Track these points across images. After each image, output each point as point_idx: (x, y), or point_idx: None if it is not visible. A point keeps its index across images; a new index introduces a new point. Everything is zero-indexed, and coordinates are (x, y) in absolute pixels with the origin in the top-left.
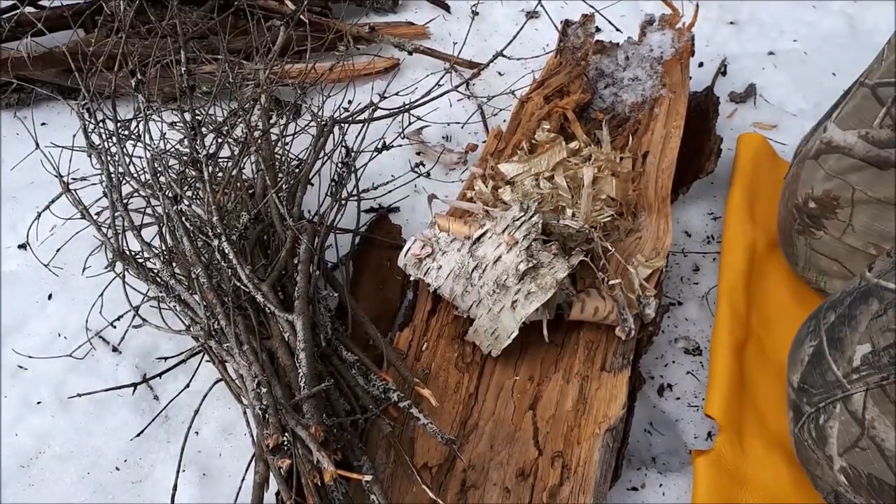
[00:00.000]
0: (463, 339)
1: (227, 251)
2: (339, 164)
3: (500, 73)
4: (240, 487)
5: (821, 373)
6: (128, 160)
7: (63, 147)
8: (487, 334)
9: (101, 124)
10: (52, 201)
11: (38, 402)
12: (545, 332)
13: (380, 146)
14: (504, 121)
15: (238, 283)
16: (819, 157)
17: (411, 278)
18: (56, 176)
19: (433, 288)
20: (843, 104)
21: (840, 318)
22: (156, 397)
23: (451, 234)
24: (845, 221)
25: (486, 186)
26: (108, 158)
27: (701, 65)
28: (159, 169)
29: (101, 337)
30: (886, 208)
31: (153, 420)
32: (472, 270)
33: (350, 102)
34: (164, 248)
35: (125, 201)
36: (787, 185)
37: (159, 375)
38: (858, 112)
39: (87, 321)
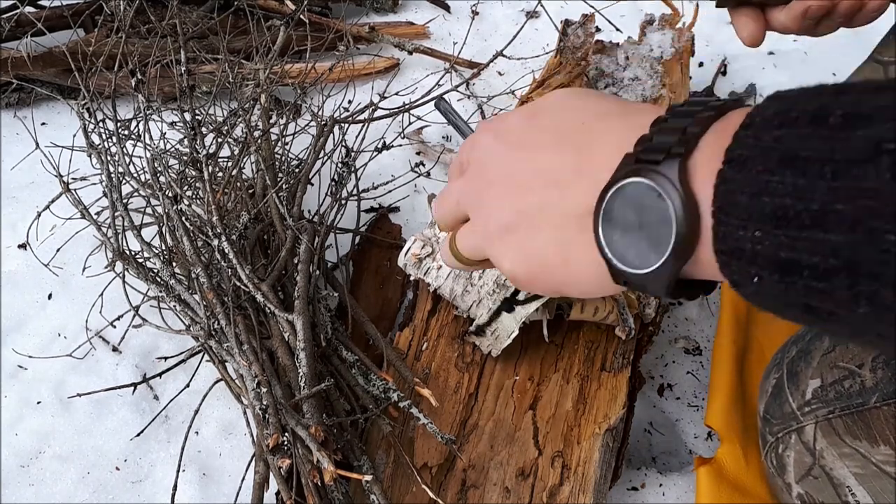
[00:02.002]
0: (463, 339)
1: (227, 251)
2: (339, 164)
3: (500, 73)
4: (240, 487)
5: (779, 404)
6: (128, 160)
7: (63, 147)
8: (488, 333)
9: (101, 124)
10: (52, 201)
11: (38, 402)
12: (545, 332)
13: (380, 146)
14: None
15: (238, 283)
16: None
17: (411, 278)
18: (56, 176)
19: (433, 288)
20: (850, 79)
21: (799, 353)
22: (156, 397)
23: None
24: None
25: None
26: (108, 158)
27: (701, 65)
28: (159, 169)
29: (101, 337)
30: None
31: (153, 420)
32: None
33: (350, 102)
34: (164, 248)
35: (125, 201)
36: None
37: (159, 375)
38: None
39: (87, 321)
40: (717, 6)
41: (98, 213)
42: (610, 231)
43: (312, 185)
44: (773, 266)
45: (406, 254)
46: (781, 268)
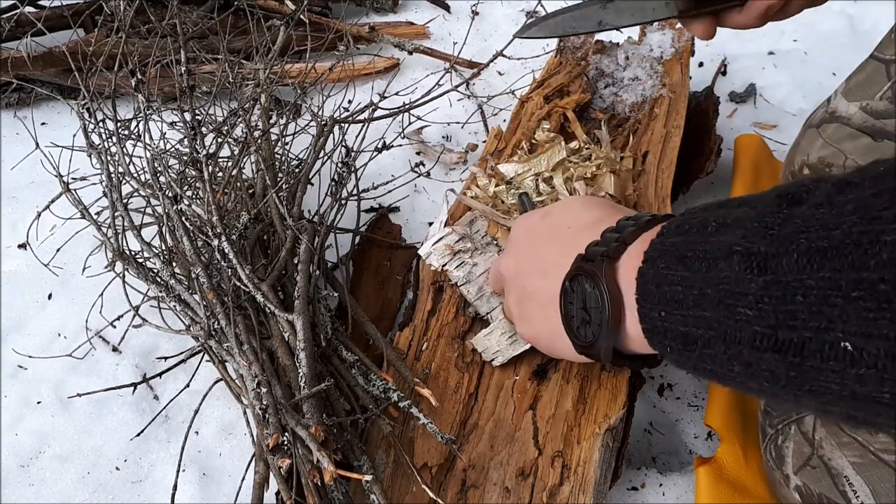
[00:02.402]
0: (464, 339)
1: (227, 251)
2: (339, 164)
3: (500, 73)
4: (240, 487)
5: None
6: (128, 160)
7: (63, 147)
8: (504, 338)
9: (101, 124)
10: (52, 201)
11: (38, 402)
12: None
13: (380, 146)
14: (504, 121)
15: (238, 283)
16: (820, 126)
17: (432, 267)
18: (56, 176)
19: (462, 282)
20: (852, 76)
21: None
22: (156, 397)
23: (497, 239)
24: None
25: (489, 186)
26: (108, 158)
27: (701, 65)
28: (159, 169)
29: (101, 337)
30: None
31: (153, 420)
32: None
33: (350, 102)
34: (164, 248)
35: (125, 201)
36: (787, 155)
37: (159, 375)
38: (866, 85)
39: (87, 321)
40: (679, 17)
41: (98, 213)
42: (569, 310)
43: (312, 185)
44: (677, 338)
45: (435, 243)
46: (683, 339)
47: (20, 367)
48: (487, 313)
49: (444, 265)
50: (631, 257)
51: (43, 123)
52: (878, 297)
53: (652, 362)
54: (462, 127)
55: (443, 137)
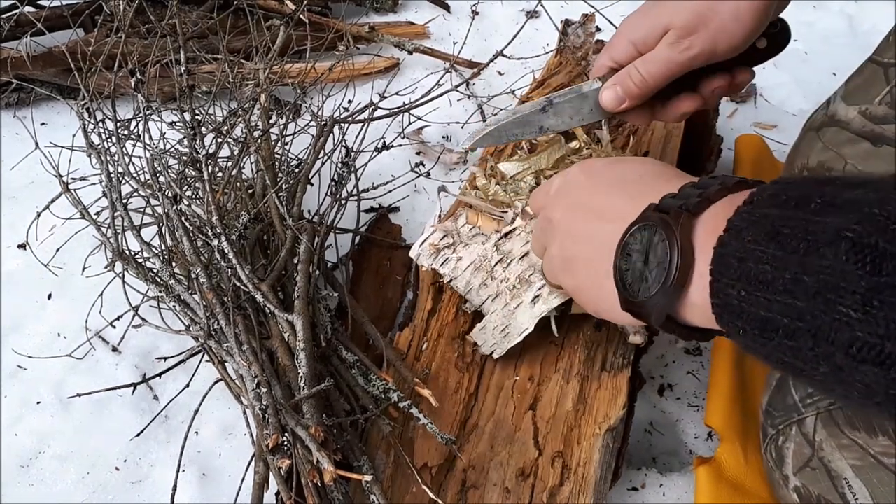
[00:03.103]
0: (463, 339)
1: (226, 251)
2: (339, 164)
3: (500, 73)
4: (240, 487)
5: (782, 397)
6: (127, 160)
7: (63, 147)
8: (497, 331)
9: (100, 124)
10: (52, 201)
11: (38, 402)
12: (554, 327)
13: (380, 146)
14: None
15: (238, 283)
16: (820, 130)
17: (423, 268)
18: (56, 176)
19: (448, 279)
20: (851, 79)
21: None
22: (156, 397)
23: (480, 228)
24: None
25: (489, 186)
26: (108, 158)
27: None
28: (159, 169)
29: (100, 337)
30: None
31: (153, 420)
32: (496, 264)
33: (350, 102)
34: (163, 248)
35: (125, 201)
36: (787, 157)
37: (159, 375)
38: (865, 89)
39: (86, 321)
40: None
41: (98, 213)
42: (624, 262)
43: (312, 185)
44: (754, 322)
45: (422, 244)
46: (761, 324)
47: (20, 367)
48: (480, 305)
49: (431, 264)
50: (713, 216)
51: (43, 123)
52: None
53: (707, 336)
54: (462, 127)
55: (443, 137)
